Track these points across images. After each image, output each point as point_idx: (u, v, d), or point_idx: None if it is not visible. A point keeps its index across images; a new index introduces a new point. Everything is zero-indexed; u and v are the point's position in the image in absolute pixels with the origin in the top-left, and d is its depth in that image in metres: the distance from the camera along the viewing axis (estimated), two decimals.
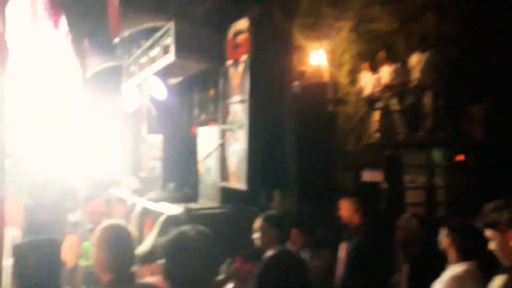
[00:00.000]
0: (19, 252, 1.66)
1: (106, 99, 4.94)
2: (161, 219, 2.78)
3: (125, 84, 5.75)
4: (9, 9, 1.84)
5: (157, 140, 4.87)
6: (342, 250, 2.71)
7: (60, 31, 3.00)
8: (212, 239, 1.55)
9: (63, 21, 3.02)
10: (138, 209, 4.05)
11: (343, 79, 6.48)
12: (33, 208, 4.23)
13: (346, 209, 2.80)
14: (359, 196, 2.84)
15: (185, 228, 1.58)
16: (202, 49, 4.27)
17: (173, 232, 1.57)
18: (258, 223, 2.50)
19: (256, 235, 2.51)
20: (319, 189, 3.57)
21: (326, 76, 5.87)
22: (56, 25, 2.86)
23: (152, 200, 4.07)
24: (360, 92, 6.37)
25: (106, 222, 1.85)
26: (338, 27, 6.41)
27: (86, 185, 4.25)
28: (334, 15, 6.42)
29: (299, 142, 3.66)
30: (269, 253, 1.56)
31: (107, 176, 4.71)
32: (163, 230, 2.64)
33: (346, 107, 5.97)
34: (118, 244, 1.73)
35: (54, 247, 1.75)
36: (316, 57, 5.88)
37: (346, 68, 6.57)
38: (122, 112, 5.48)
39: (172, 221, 2.75)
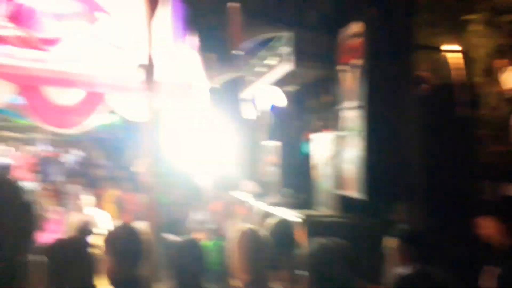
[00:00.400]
0: (179, 250, 1.85)
1: (228, 107, 5.31)
2: (272, 223, 2.78)
3: (245, 93, 6.10)
4: (154, 28, 2.11)
5: (274, 146, 5.03)
6: (489, 277, 2.33)
7: (192, 46, 3.34)
8: (353, 252, 1.51)
9: (195, 36, 3.36)
10: (258, 212, 4.22)
11: (478, 78, 5.70)
12: (166, 206, 4.76)
13: (489, 228, 2.42)
14: (506, 213, 2.43)
15: (325, 240, 1.57)
16: (319, 56, 4.27)
17: (314, 245, 1.58)
18: (391, 240, 2.34)
19: (389, 252, 2.36)
20: (451, 202, 3.20)
21: (457, 77, 5.25)
22: (188, 40, 3.21)
23: (270, 204, 4.19)
24: (501, 93, 5.52)
25: (244, 226, 1.95)
26: (468, 21, 5.69)
27: (211, 186, 4.61)
28: (463, 8, 5.72)
29: (428, 150, 3.35)
30: (403, 271, 1.44)
31: (229, 179, 5.04)
32: (273, 235, 2.64)
33: (483, 110, 5.22)
34: (256, 248, 1.81)
35: (200, 246, 1.90)
36: (445, 56, 5.31)
37: (481, 66, 5.77)
38: (243, 119, 5.82)
39: (282, 225, 2.75)
